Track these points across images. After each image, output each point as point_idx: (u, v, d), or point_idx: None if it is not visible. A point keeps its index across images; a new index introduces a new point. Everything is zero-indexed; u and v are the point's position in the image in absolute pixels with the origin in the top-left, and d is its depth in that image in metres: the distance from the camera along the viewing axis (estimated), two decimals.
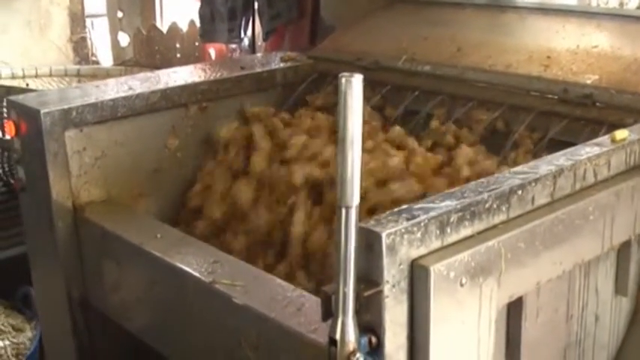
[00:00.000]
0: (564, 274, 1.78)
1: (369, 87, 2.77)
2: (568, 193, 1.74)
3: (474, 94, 2.52)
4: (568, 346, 1.92)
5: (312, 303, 1.75)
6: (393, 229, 1.39)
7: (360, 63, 2.80)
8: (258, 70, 2.88)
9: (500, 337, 1.70)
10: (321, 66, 2.95)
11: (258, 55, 3.56)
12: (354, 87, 1.28)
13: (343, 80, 1.28)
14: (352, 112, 1.29)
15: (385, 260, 1.38)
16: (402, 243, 1.40)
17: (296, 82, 2.92)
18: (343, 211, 1.31)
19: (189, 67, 2.98)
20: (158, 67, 3.15)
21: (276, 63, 2.97)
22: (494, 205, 1.57)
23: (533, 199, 1.65)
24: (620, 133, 1.91)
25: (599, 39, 2.48)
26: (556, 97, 2.35)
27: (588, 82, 2.34)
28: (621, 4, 2.61)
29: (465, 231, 1.51)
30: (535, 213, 1.65)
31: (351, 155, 1.29)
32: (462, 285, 1.47)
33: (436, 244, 1.46)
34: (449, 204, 1.50)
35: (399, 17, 2.96)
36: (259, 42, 4.16)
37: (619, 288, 2.03)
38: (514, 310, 1.71)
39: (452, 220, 1.48)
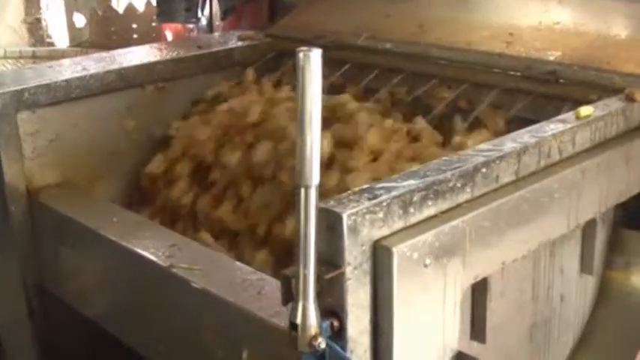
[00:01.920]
0: (529, 254, 1.76)
1: (328, 65, 2.71)
2: (533, 171, 1.71)
3: (436, 71, 2.50)
4: (534, 325, 1.91)
5: (273, 286, 1.72)
6: (354, 210, 1.36)
7: (320, 41, 2.75)
8: (216, 49, 2.84)
9: (465, 318, 1.68)
10: (280, 44, 2.91)
11: (216, 34, 3.51)
12: (312, 62, 1.25)
13: (301, 55, 1.25)
14: (311, 88, 1.25)
15: (346, 241, 1.35)
16: (363, 224, 1.37)
17: (254, 61, 2.88)
18: (302, 191, 1.27)
19: (146, 47, 2.94)
20: (115, 48, 3.10)
21: (234, 42, 2.94)
22: (458, 184, 1.54)
23: (497, 177, 1.62)
24: (585, 110, 1.89)
25: (561, 15, 2.45)
26: (519, 74, 2.33)
27: (551, 58, 2.32)
28: None
29: (429, 210, 1.48)
30: (500, 191, 1.62)
31: (310, 133, 1.25)
32: (426, 266, 1.44)
33: (399, 224, 1.43)
34: (411, 183, 1.47)
35: None
36: (217, 22, 4.11)
37: (584, 267, 2.02)
38: (479, 291, 1.68)
39: (415, 199, 1.45)
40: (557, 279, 1.94)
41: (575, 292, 2.03)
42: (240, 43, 2.91)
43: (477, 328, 1.70)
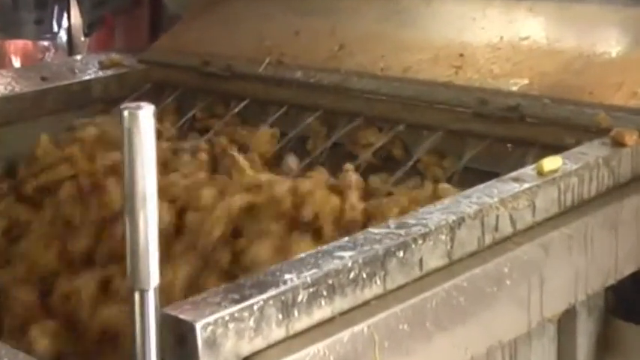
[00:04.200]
0: None
1: (221, 102, 2.78)
2: (473, 251, 1.73)
3: (362, 108, 2.54)
4: None
5: None
6: (212, 317, 1.37)
7: (209, 69, 2.80)
8: (67, 81, 2.86)
9: None
10: (156, 73, 2.94)
11: (74, 58, 3.53)
12: (141, 124, 1.26)
13: (126, 114, 1.26)
14: (141, 158, 1.27)
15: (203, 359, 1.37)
16: (226, 335, 1.38)
17: (122, 97, 2.83)
18: (137, 295, 1.30)
19: None
20: None
21: (94, 71, 2.95)
22: (364, 274, 1.55)
23: (421, 262, 1.63)
24: (550, 162, 1.91)
25: (530, 28, 2.49)
26: (471, 110, 2.37)
27: (514, 88, 2.34)
28: None
29: (321, 312, 1.49)
30: (424, 281, 1.63)
31: (144, 217, 1.28)
32: None
33: (278, 333, 1.44)
34: (296, 276, 1.49)
35: (261, 4, 2.96)
36: (82, 37, 4.13)
37: None
38: None
39: (300, 298, 1.47)
40: None
41: None
42: (101, 73, 2.93)
43: None
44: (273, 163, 2.57)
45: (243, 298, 1.43)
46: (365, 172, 2.39)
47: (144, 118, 1.27)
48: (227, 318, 1.39)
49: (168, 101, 2.87)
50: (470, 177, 2.20)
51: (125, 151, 1.27)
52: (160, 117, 2.79)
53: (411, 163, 2.36)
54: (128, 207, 1.28)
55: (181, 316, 1.37)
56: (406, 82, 2.51)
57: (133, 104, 1.28)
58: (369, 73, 2.58)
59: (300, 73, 2.69)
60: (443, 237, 1.69)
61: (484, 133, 2.34)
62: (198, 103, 2.81)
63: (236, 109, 2.73)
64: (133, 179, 1.28)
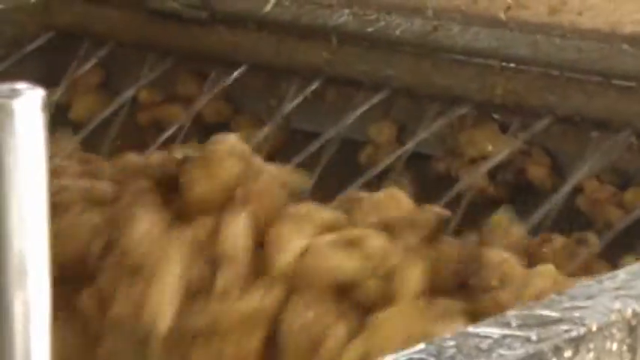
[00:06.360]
0: None
1: (189, 71, 2.77)
2: None
3: (468, 86, 2.48)
4: None
5: None
6: None
7: (167, 5, 2.75)
8: None
9: None
10: (62, 15, 2.92)
11: None
12: (18, 124, 1.16)
13: None
14: (17, 190, 1.16)
15: None
16: None
17: None
18: None
19: None
20: None
21: None
22: None
23: None
24: None
25: None
26: None
27: None
28: None
29: None
30: None
31: (23, 306, 1.17)
32: None
33: None
34: None
35: None
36: None
37: None
38: None
39: None
40: None
41: None
42: None
43: None
44: None
45: None
46: (472, 213, 2.37)
47: (25, 112, 1.16)
48: None
49: (85, 69, 2.81)
50: None
51: None
52: (62, 104, 2.76)
53: (563, 192, 2.28)
54: None
55: None
56: (555, 33, 2.45)
57: (5, 86, 1.18)
58: (482, 17, 2.53)
59: (347, 14, 2.64)
60: (614, 345, 1.61)
61: None
62: (143, 74, 2.73)
63: (220, 85, 2.65)
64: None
